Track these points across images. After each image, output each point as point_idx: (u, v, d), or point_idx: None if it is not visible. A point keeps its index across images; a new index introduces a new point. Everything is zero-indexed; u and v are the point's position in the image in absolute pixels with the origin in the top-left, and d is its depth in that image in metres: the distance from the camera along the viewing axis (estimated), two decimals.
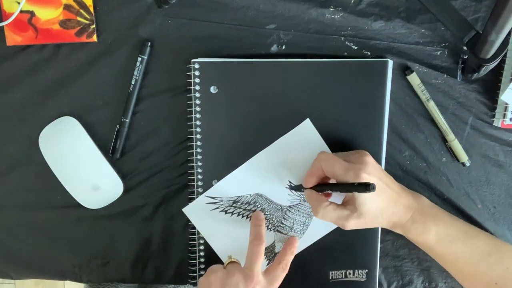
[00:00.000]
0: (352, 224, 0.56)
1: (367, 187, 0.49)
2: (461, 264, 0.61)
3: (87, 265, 0.69)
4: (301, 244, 0.65)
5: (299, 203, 0.64)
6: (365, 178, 0.54)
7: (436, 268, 0.68)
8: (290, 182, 0.63)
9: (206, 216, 0.64)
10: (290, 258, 0.61)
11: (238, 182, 0.63)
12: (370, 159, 0.57)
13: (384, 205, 0.57)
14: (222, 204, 0.64)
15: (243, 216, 0.64)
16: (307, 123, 0.62)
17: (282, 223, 0.65)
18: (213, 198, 0.63)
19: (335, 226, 0.65)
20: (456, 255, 0.60)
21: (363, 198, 0.55)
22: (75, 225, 0.68)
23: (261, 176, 0.63)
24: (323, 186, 0.59)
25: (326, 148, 0.63)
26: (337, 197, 0.60)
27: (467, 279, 0.62)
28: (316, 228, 0.65)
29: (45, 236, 0.68)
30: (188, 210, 0.64)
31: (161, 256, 0.68)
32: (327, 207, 0.56)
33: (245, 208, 0.64)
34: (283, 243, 0.65)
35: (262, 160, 0.63)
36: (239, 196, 0.64)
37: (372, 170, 0.55)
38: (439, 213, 0.61)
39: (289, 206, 0.64)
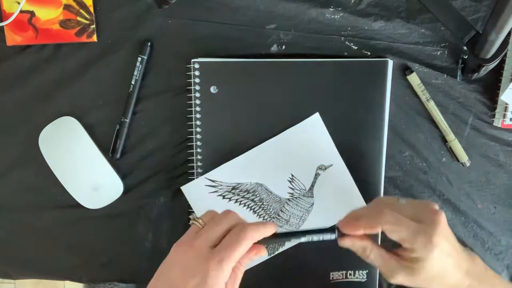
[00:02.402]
0: (399, 280, 0.49)
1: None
2: None
3: (87, 265, 0.68)
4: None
5: (299, 197, 0.64)
6: (437, 244, 0.46)
7: None
8: (292, 175, 0.63)
9: (204, 198, 0.64)
10: (254, 234, 0.48)
11: (240, 168, 0.63)
12: (443, 218, 0.48)
13: (446, 270, 0.49)
14: (221, 189, 0.64)
15: (240, 204, 0.64)
16: (316, 117, 0.62)
17: (278, 215, 0.65)
18: (213, 181, 0.63)
19: (331, 223, 0.64)
20: None
21: (430, 256, 0.47)
22: (75, 225, 0.67)
23: (264, 165, 0.63)
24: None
25: (332, 145, 0.63)
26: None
27: None
28: (312, 224, 0.65)
29: (45, 236, 0.68)
30: (187, 189, 0.64)
31: (161, 256, 0.68)
32: (373, 251, 0.50)
33: (243, 196, 0.64)
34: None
35: (267, 150, 0.63)
36: (239, 183, 0.64)
37: (445, 234, 0.47)
38: (492, 277, 0.53)
39: (288, 199, 0.64)
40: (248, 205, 0.64)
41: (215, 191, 0.64)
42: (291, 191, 0.64)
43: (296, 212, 0.65)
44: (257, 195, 0.64)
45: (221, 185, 0.64)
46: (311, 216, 0.65)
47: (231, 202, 0.64)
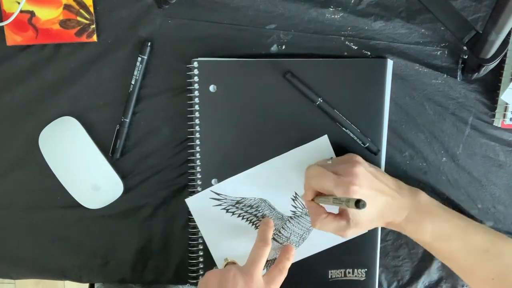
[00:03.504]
0: (350, 233, 0.57)
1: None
2: (458, 259, 0.61)
3: (87, 265, 0.69)
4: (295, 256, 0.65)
5: (301, 215, 0.65)
6: (355, 191, 0.54)
7: (437, 268, 0.68)
8: (296, 193, 0.63)
9: (207, 211, 0.64)
10: (286, 263, 0.61)
11: (245, 183, 0.63)
12: (358, 168, 0.56)
13: (377, 210, 0.57)
14: (225, 202, 0.64)
15: (243, 218, 0.64)
16: (325, 139, 0.63)
17: (280, 232, 0.65)
18: (218, 194, 0.64)
19: (331, 244, 0.65)
20: (453, 251, 0.60)
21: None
22: (75, 225, 0.68)
23: (269, 182, 0.63)
24: (322, 198, 0.58)
25: None
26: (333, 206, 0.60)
27: (465, 274, 0.63)
28: (312, 243, 0.65)
29: (45, 236, 0.68)
30: (191, 202, 0.64)
31: (161, 256, 0.68)
32: (324, 219, 0.57)
33: (246, 211, 0.64)
34: (276, 252, 0.65)
35: (273, 167, 0.63)
36: (243, 198, 0.64)
37: (362, 181, 0.55)
38: (436, 210, 0.61)
39: (290, 217, 0.65)
40: (251, 220, 0.64)
41: (219, 205, 0.64)
42: (294, 209, 0.64)
43: (297, 231, 0.65)
44: (260, 211, 0.64)
45: (226, 199, 0.64)
46: (311, 235, 0.65)
47: (234, 216, 0.64)
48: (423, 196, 0.61)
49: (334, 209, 0.59)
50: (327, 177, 0.55)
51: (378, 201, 0.56)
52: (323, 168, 0.57)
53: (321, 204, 0.58)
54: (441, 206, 0.62)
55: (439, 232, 0.59)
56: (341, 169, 0.56)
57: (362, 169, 0.56)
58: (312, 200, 0.59)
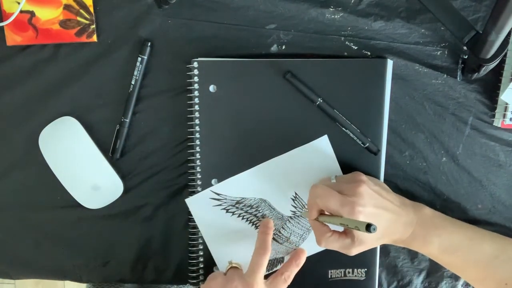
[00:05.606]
0: (355, 251, 0.57)
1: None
2: (468, 269, 0.61)
3: (87, 265, 0.69)
4: None
5: (301, 215, 0.65)
6: (360, 211, 0.54)
7: (436, 268, 0.68)
8: (295, 193, 0.64)
9: (207, 211, 0.64)
10: (294, 270, 0.61)
11: (245, 183, 0.63)
12: (363, 188, 0.56)
13: (383, 228, 0.57)
14: (225, 202, 0.64)
15: (243, 218, 0.64)
16: (325, 139, 0.63)
17: (280, 232, 0.65)
18: (218, 194, 0.64)
19: None
20: (462, 261, 0.60)
21: None
22: (75, 225, 0.68)
23: (269, 182, 0.63)
24: (327, 217, 0.58)
25: (337, 167, 0.63)
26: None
27: (476, 282, 0.62)
28: (312, 243, 0.64)
29: (45, 236, 0.68)
30: (191, 202, 0.64)
31: (161, 256, 0.68)
32: (329, 238, 0.57)
33: (246, 211, 0.64)
34: (276, 252, 0.65)
35: (273, 167, 0.63)
36: (243, 198, 0.64)
37: (366, 201, 0.55)
38: (442, 223, 0.61)
39: (290, 217, 0.64)
40: (251, 220, 0.64)
41: (219, 205, 0.64)
42: (294, 209, 0.64)
43: (297, 231, 0.65)
44: (260, 211, 0.64)
45: (226, 199, 0.64)
46: (311, 235, 0.65)
47: (234, 217, 0.64)
48: (427, 210, 0.61)
49: (339, 226, 0.59)
50: (333, 197, 0.55)
51: (383, 219, 0.57)
52: (329, 188, 0.57)
53: (325, 223, 0.58)
54: (446, 218, 0.62)
55: (446, 244, 0.60)
56: (346, 188, 0.56)
57: (367, 188, 0.56)
58: (316, 219, 0.59)
